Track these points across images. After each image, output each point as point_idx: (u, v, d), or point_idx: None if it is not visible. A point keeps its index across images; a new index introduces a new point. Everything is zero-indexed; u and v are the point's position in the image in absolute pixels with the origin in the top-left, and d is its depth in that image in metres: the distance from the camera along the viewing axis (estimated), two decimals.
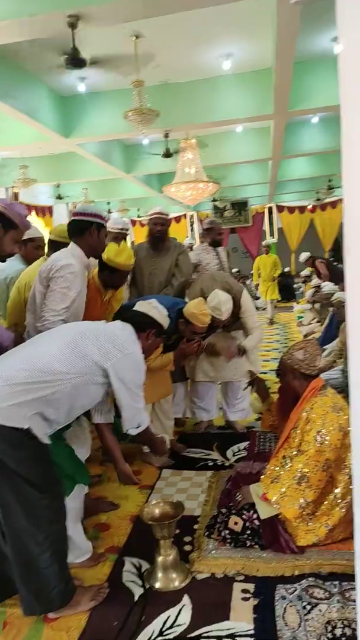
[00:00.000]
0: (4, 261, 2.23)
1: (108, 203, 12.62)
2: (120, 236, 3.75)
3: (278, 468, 2.28)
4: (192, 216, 14.34)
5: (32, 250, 3.27)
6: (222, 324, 3.27)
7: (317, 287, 7.36)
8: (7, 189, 8.99)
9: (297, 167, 10.15)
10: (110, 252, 2.77)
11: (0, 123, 6.13)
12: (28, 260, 3.19)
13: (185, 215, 14.42)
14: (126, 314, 2.27)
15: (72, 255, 2.40)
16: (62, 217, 10.90)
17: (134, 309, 2.26)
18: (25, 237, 2.49)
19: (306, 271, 9.33)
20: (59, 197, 10.41)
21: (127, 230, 3.86)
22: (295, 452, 2.21)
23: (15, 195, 9.00)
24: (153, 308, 2.22)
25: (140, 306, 2.25)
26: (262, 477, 2.28)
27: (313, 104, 5.60)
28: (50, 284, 2.35)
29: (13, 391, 1.72)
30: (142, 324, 2.14)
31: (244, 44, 4.99)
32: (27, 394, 1.74)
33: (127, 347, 1.94)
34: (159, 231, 3.73)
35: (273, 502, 2.09)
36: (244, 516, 2.15)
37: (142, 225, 13.81)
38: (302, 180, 11.41)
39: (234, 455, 3.22)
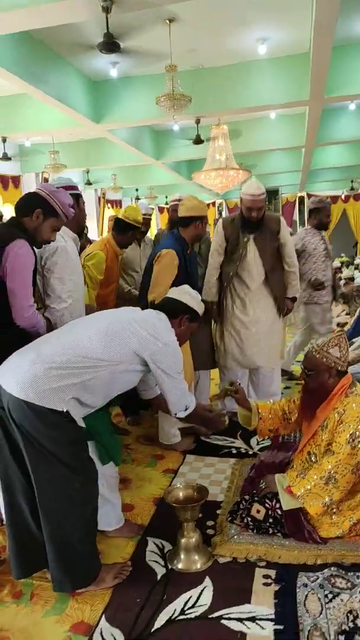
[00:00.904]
0: (40, 247, 2.28)
1: (136, 190, 12.66)
2: (144, 221, 3.73)
3: (303, 463, 2.27)
4: (220, 204, 14.24)
5: None
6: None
7: (349, 279, 7.24)
8: (37, 174, 9.11)
9: (332, 155, 9.93)
10: (132, 212, 3.31)
11: (32, 108, 6.21)
12: None
13: (214, 203, 14.33)
14: (159, 302, 2.28)
15: (60, 236, 2.41)
16: (90, 203, 10.97)
17: (167, 295, 2.27)
18: None
19: (337, 262, 9.16)
20: (88, 183, 10.48)
21: (150, 215, 3.85)
22: (324, 451, 2.16)
23: (45, 180, 9.11)
24: (185, 293, 2.22)
25: (172, 292, 2.26)
26: (288, 470, 2.26)
27: (351, 90, 5.45)
28: (46, 273, 2.40)
29: (52, 375, 1.76)
30: (175, 311, 2.13)
31: (280, 27, 4.88)
32: (66, 378, 1.78)
33: (165, 336, 1.95)
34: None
35: (297, 496, 2.08)
36: (266, 505, 2.15)
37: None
38: (336, 168, 11.16)
39: (257, 444, 3.22)
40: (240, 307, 3.49)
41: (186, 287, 2.28)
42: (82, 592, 1.92)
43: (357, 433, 2.03)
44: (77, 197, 2.60)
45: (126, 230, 3.33)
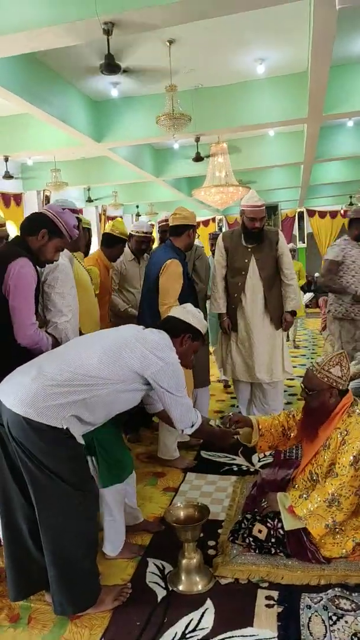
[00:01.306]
0: (43, 266, 2.30)
1: (137, 206, 12.75)
2: (144, 239, 3.80)
3: (305, 482, 2.23)
4: (220, 220, 14.34)
5: None
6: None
7: None
8: (38, 192, 9.20)
9: (330, 171, 10.02)
10: (119, 226, 3.54)
11: (34, 128, 6.30)
12: None
13: (214, 219, 14.43)
14: (161, 321, 2.28)
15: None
16: (92, 220, 11.05)
17: (169, 314, 2.27)
18: None
19: None
20: (89, 200, 10.57)
21: (150, 233, 3.89)
22: (326, 471, 2.13)
23: (47, 198, 9.20)
24: (187, 313, 2.21)
25: (174, 312, 2.25)
26: (290, 489, 2.22)
27: (349, 107, 5.52)
28: (46, 289, 2.42)
29: (53, 392, 1.76)
30: (177, 329, 2.13)
31: (278, 47, 4.96)
32: (66, 396, 1.77)
33: (166, 354, 1.95)
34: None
35: (300, 517, 2.04)
36: (268, 524, 2.12)
37: None
38: (334, 184, 11.25)
39: (259, 461, 3.19)
40: (243, 319, 3.54)
41: (189, 306, 2.28)
42: (81, 615, 1.88)
43: None
44: (78, 221, 2.66)
45: (115, 244, 3.56)
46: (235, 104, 5.82)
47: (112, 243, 3.56)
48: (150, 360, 1.90)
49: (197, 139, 6.56)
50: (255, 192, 3.59)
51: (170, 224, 3.20)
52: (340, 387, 2.14)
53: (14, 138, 6.53)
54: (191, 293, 3.25)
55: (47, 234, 2.21)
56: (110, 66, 3.83)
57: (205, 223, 14.17)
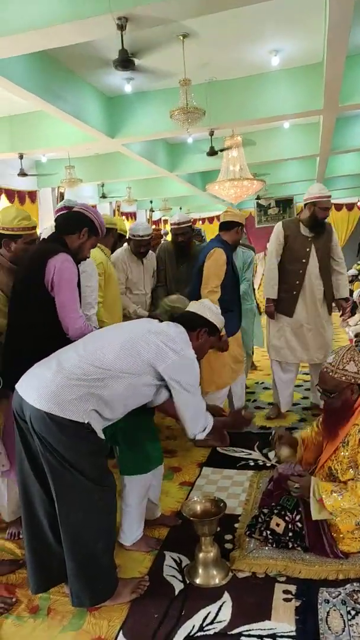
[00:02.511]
0: (78, 264, 2.34)
1: (151, 202, 12.73)
2: (144, 242, 3.70)
3: (325, 477, 2.21)
4: None
5: None
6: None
7: None
8: (53, 189, 9.24)
9: (346, 162, 9.87)
10: (107, 218, 3.26)
11: (48, 125, 6.31)
12: None
13: None
14: (177, 315, 2.29)
15: None
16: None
17: (187, 309, 2.27)
18: None
19: (354, 270, 9.07)
20: (103, 196, 10.59)
21: (149, 235, 3.73)
22: (346, 468, 2.12)
23: (62, 195, 9.23)
24: (205, 308, 2.21)
25: (192, 306, 2.26)
26: (322, 483, 2.16)
27: None
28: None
29: (72, 385, 1.78)
30: (193, 323, 2.12)
31: (293, 39, 4.89)
32: (87, 389, 1.79)
33: (181, 347, 1.93)
34: (181, 241, 3.83)
35: (331, 512, 2.02)
36: (287, 518, 2.12)
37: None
38: (351, 176, 11.09)
39: (275, 456, 3.18)
40: (303, 304, 3.72)
41: (206, 302, 2.28)
42: (100, 607, 1.90)
43: None
44: None
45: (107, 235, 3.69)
46: (249, 97, 5.77)
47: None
48: (165, 353, 1.89)
49: (211, 133, 6.51)
50: (320, 184, 3.86)
51: (222, 220, 3.53)
52: (359, 382, 2.12)
53: (28, 135, 6.56)
54: (235, 283, 3.50)
55: (87, 232, 2.28)
56: (125, 62, 3.82)
57: (219, 217, 14.10)
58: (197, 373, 2.00)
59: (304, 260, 3.68)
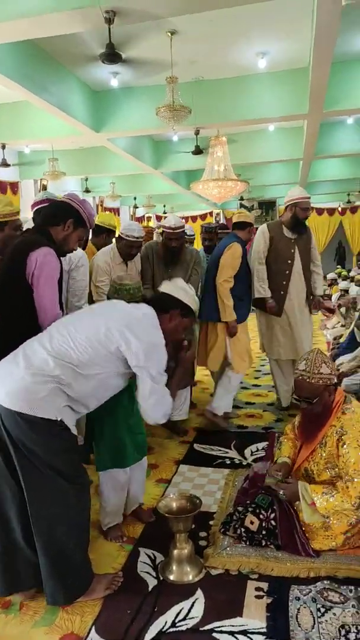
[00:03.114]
0: (64, 256, 2.31)
1: (135, 198, 12.69)
2: (137, 244, 3.44)
3: (301, 479, 2.24)
4: (218, 214, 14.32)
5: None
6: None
7: (344, 291, 7.27)
8: (35, 181, 9.13)
9: (329, 168, 10.03)
10: (106, 218, 3.75)
11: (32, 116, 6.24)
12: None
13: (211, 213, 14.40)
14: (151, 296, 2.26)
15: None
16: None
17: (160, 290, 2.21)
18: None
19: (333, 274, 9.21)
20: (87, 191, 10.51)
21: (141, 237, 3.44)
22: (323, 468, 2.16)
23: (44, 187, 9.12)
24: (179, 288, 2.15)
25: (165, 287, 2.19)
26: (312, 485, 2.16)
27: (349, 104, 5.53)
28: (75, 276, 2.69)
29: (42, 381, 1.75)
30: (165, 304, 2.07)
31: (280, 42, 4.94)
32: (56, 384, 1.77)
33: (147, 334, 1.90)
34: (174, 247, 3.51)
35: (324, 514, 2.04)
36: (261, 516, 2.14)
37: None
38: (333, 181, 11.27)
39: (251, 455, 3.21)
40: (290, 303, 3.88)
41: (180, 282, 2.21)
42: (73, 603, 1.89)
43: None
44: None
45: (100, 234, 3.84)
46: (235, 98, 5.80)
47: (98, 233, 3.85)
48: (128, 341, 1.85)
49: (197, 132, 6.53)
50: (300, 187, 4.04)
51: (236, 220, 3.84)
52: (334, 382, 2.17)
53: (12, 125, 6.47)
54: (247, 275, 3.78)
55: (72, 223, 2.20)
56: (111, 55, 3.81)
57: (203, 217, 14.15)
58: (162, 359, 1.95)
59: (289, 261, 3.84)
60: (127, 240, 3.35)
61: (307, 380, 2.12)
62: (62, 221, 2.19)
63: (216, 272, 3.58)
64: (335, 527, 2.04)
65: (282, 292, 3.86)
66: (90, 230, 3.41)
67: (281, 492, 2.17)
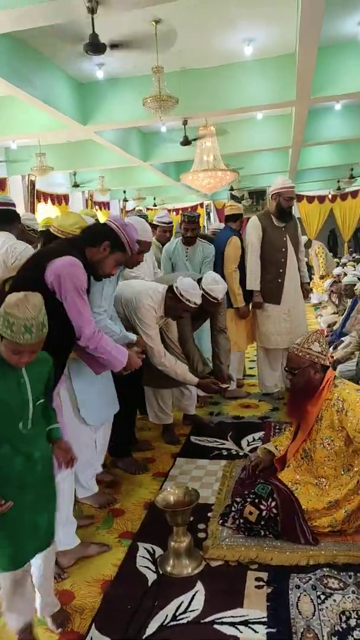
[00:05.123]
0: (100, 280, 2.22)
1: (124, 191, 12.60)
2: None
3: (299, 461, 2.26)
4: (208, 205, 14.25)
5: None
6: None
7: (337, 277, 7.27)
8: (23, 176, 9.03)
9: (318, 155, 9.98)
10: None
11: (18, 110, 6.13)
12: None
13: (202, 204, 14.33)
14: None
15: None
16: (78, 205, 10.90)
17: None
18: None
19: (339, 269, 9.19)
20: (76, 185, 10.41)
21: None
22: (319, 444, 2.18)
23: (32, 183, 9.03)
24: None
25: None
26: (285, 469, 2.21)
27: (337, 90, 5.47)
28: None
29: None
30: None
31: (266, 28, 4.88)
32: None
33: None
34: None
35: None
36: (261, 506, 2.14)
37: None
38: (322, 168, 11.21)
39: (248, 445, 3.21)
40: (288, 290, 3.97)
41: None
42: (72, 601, 1.89)
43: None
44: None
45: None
46: (222, 86, 5.74)
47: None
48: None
49: (185, 122, 6.47)
50: (283, 177, 4.15)
51: (228, 213, 4.27)
52: (322, 362, 2.21)
53: None
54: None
55: (109, 246, 2.11)
56: (95, 46, 3.74)
57: (194, 208, 14.07)
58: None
59: (283, 250, 3.93)
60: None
61: (296, 352, 2.22)
62: (98, 243, 2.09)
63: (221, 265, 4.02)
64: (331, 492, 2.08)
65: (279, 281, 3.95)
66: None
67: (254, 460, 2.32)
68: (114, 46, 4.99)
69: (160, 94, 4.78)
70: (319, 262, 9.02)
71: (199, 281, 3.13)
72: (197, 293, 2.92)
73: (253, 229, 3.97)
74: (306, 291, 4.18)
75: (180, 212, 14.24)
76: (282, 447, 2.46)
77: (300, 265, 4.08)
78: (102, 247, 2.10)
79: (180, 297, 2.81)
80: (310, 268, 8.08)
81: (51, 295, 1.90)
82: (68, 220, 2.55)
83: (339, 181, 12.30)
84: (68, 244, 2.13)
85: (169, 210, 13.53)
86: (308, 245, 8.57)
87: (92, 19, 3.50)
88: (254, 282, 3.96)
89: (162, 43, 4.81)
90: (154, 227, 4.12)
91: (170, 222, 4.38)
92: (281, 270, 3.94)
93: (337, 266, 8.69)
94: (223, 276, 3.69)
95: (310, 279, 6.26)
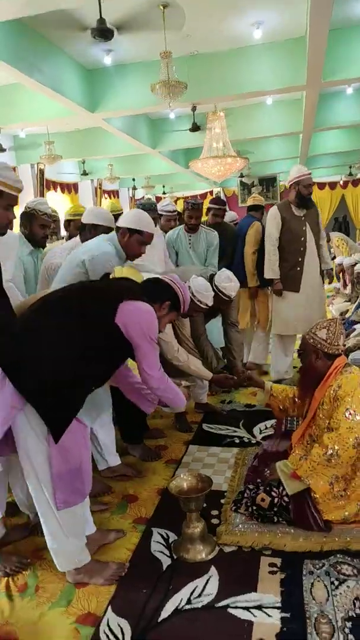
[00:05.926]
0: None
1: (133, 179, 12.54)
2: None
3: (305, 446, 2.28)
4: (218, 192, 14.14)
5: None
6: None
7: (351, 266, 7.19)
8: (32, 165, 9.02)
9: (329, 140, 9.84)
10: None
11: (26, 98, 6.12)
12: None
13: (211, 192, 14.23)
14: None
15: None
16: (87, 194, 10.89)
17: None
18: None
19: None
20: (85, 173, 10.38)
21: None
22: (324, 428, 2.19)
23: (41, 172, 9.01)
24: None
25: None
26: (290, 455, 2.26)
27: (348, 74, 5.38)
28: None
29: None
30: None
31: (275, 11, 4.79)
32: None
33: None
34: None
35: (303, 478, 2.08)
36: (273, 493, 2.15)
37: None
38: (334, 154, 11.06)
39: (260, 433, 3.22)
40: (308, 278, 4.01)
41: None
42: (88, 584, 1.92)
43: (353, 406, 2.06)
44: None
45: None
46: (231, 71, 5.66)
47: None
48: None
49: (194, 108, 6.40)
50: (298, 165, 4.34)
51: (250, 204, 4.67)
52: (325, 350, 2.21)
53: (6, 109, 6.35)
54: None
55: (168, 306, 2.21)
56: (103, 31, 3.71)
57: (203, 196, 13.96)
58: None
59: (302, 238, 3.98)
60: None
61: (305, 336, 2.29)
62: (160, 301, 2.17)
63: (242, 248, 4.38)
64: (318, 491, 2.06)
65: (298, 269, 4.00)
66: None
67: (266, 472, 2.26)
68: (121, 34, 4.93)
69: (168, 79, 4.73)
70: (342, 252, 8.93)
71: (211, 277, 3.11)
72: (210, 295, 2.91)
73: (272, 220, 4.02)
74: (330, 276, 4.28)
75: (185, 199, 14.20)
76: (279, 391, 2.64)
77: (321, 252, 4.10)
78: (163, 306, 2.19)
79: (192, 298, 2.78)
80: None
81: (110, 334, 1.91)
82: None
83: (350, 167, 12.14)
84: (139, 288, 2.13)
85: (177, 199, 13.44)
86: (327, 239, 8.50)
87: (100, 3, 3.46)
88: (272, 271, 4.03)
89: (170, 27, 4.74)
90: (158, 216, 4.11)
91: (175, 211, 4.47)
92: (300, 259, 3.99)
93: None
94: (242, 257, 4.23)
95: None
